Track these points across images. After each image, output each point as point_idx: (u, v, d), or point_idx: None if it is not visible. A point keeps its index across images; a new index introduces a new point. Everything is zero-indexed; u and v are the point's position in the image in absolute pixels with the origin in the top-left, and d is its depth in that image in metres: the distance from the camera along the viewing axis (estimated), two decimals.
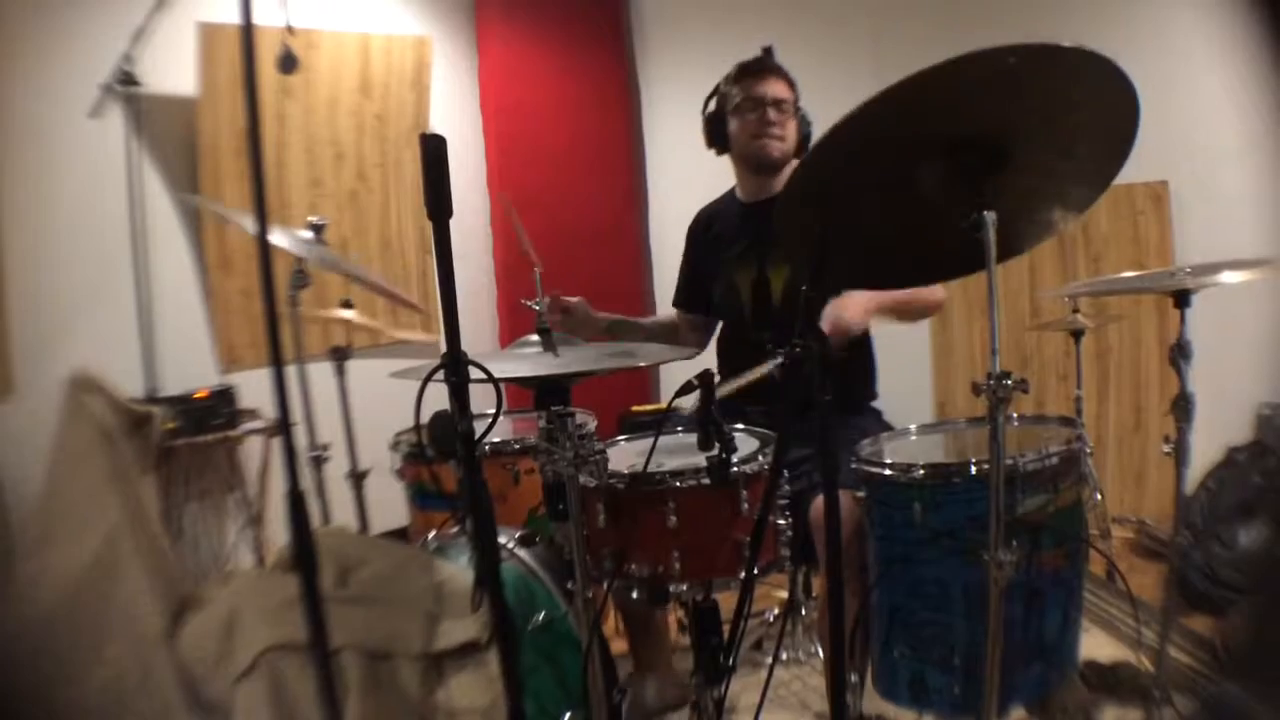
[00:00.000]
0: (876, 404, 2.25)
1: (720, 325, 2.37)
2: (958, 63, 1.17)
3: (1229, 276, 1.72)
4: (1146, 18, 3.27)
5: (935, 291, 2.10)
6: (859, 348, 2.19)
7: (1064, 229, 1.53)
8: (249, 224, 2.13)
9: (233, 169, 3.31)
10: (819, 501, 1.74)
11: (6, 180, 2.89)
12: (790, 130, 2.16)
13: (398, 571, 1.69)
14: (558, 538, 1.60)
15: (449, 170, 1.17)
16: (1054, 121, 1.32)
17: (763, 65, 2.16)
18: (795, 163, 2.23)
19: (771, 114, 2.13)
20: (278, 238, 2.04)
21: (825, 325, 1.80)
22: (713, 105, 2.22)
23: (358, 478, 2.44)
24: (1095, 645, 2.33)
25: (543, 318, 1.62)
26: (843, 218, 1.38)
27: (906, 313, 2.08)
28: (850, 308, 1.87)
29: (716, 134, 2.22)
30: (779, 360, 1.32)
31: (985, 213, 1.30)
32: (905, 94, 1.20)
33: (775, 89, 2.14)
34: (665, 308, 2.52)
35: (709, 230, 2.35)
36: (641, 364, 1.65)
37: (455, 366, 1.18)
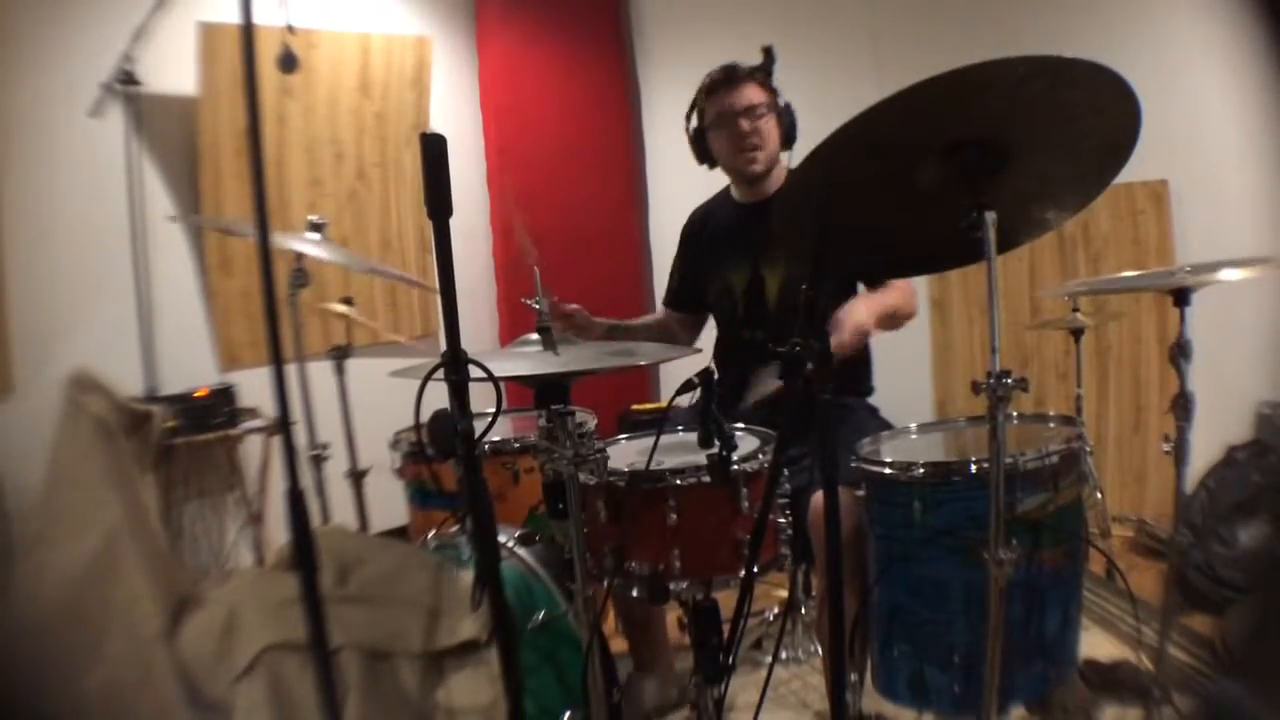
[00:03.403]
0: (872, 399, 2.25)
1: (716, 326, 2.37)
2: (967, 72, 1.17)
3: (1228, 274, 1.72)
4: (1146, 17, 3.27)
5: (912, 303, 2.10)
6: None
7: (1057, 226, 1.53)
8: (249, 232, 2.13)
9: (233, 169, 3.31)
10: (818, 499, 1.74)
11: (6, 180, 2.89)
12: (769, 133, 2.14)
13: (398, 570, 1.69)
14: (558, 537, 1.60)
15: (449, 169, 1.17)
16: (1056, 129, 1.32)
17: (730, 75, 2.14)
18: (785, 161, 2.23)
19: (744, 125, 2.11)
20: (279, 237, 2.04)
21: (844, 332, 1.80)
22: (694, 121, 2.22)
23: (357, 476, 2.44)
24: (1095, 644, 2.33)
25: (543, 316, 1.62)
26: (842, 213, 1.38)
27: (893, 323, 2.09)
28: (859, 310, 1.88)
29: (702, 150, 2.23)
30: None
31: (985, 213, 1.30)
32: (910, 100, 1.20)
33: (746, 96, 2.12)
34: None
35: (703, 230, 2.35)
36: (641, 363, 1.65)
37: (455, 365, 1.18)
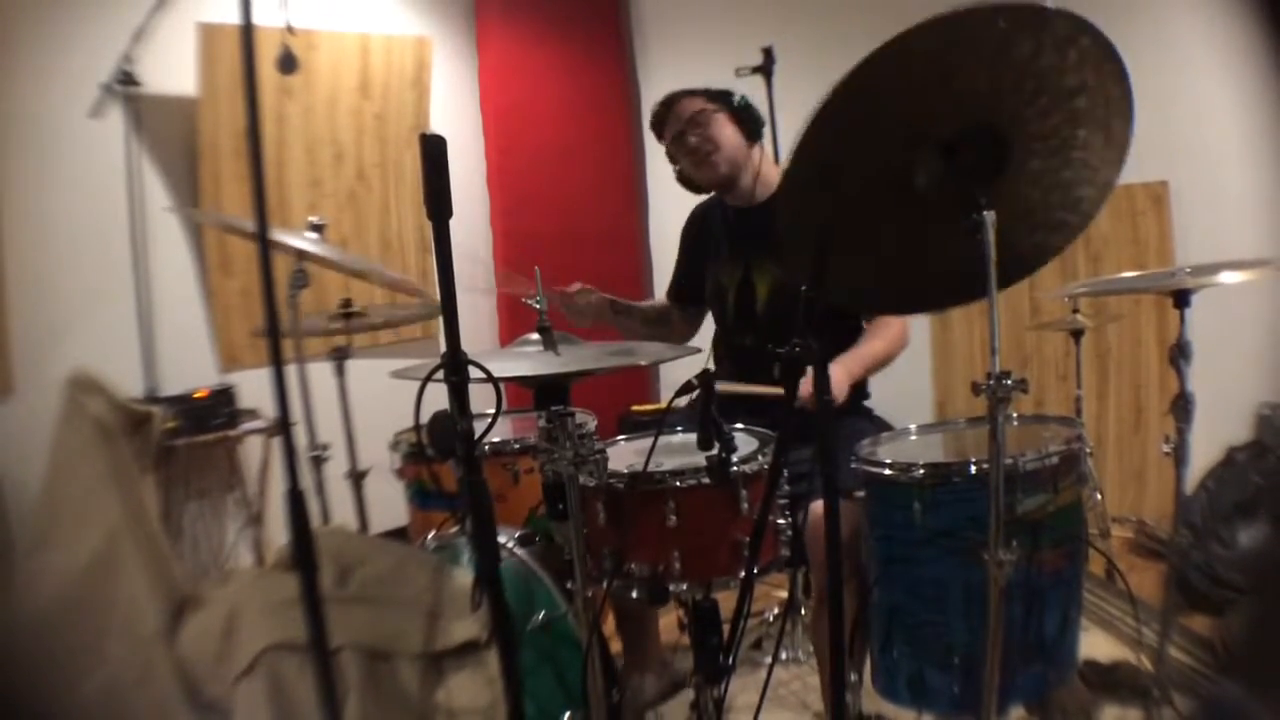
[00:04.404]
0: (869, 403, 2.24)
1: (715, 325, 2.37)
2: (945, 20, 1.17)
3: (1228, 277, 1.72)
4: (1147, 19, 3.27)
5: (903, 338, 2.11)
6: (849, 346, 2.19)
7: (1066, 247, 1.51)
8: (249, 230, 2.13)
9: (233, 169, 3.31)
10: (816, 508, 1.74)
11: (6, 180, 2.89)
12: (721, 134, 2.12)
13: (397, 571, 1.69)
14: (558, 538, 1.60)
15: (449, 170, 1.17)
16: (1050, 113, 1.32)
17: (662, 104, 2.17)
18: (776, 168, 2.24)
19: (692, 139, 2.12)
20: (279, 238, 2.04)
21: (838, 390, 1.85)
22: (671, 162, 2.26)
23: (357, 477, 2.44)
24: (1095, 645, 2.33)
25: (544, 316, 1.61)
26: (845, 225, 1.37)
27: (882, 367, 2.11)
28: (848, 363, 1.97)
29: (686, 180, 2.26)
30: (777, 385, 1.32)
31: (985, 214, 1.30)
32: (896, 58, 1.20)
33: (684, 109, 2.12)
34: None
35: (700, 230, 2.37)
36: (641, 363, 1.65)
37: (455, 366, 1.18)
